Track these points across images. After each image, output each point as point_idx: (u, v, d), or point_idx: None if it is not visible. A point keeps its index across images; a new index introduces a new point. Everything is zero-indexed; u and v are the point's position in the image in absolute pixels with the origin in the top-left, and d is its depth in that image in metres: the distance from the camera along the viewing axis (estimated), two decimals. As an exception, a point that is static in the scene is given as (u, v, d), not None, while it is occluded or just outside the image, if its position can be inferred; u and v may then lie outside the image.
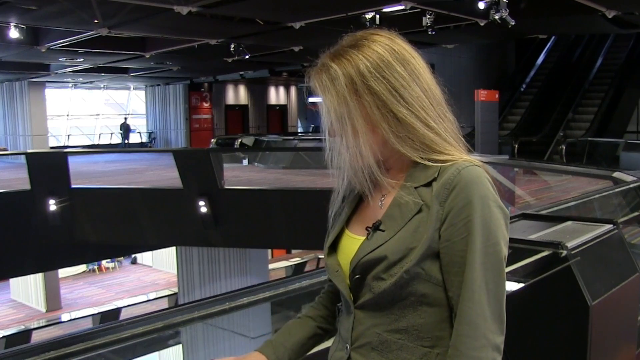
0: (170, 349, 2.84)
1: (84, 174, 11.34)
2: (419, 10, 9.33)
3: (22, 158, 10.66)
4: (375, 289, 1.11)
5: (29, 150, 15.00)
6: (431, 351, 1.11)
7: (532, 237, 2.57)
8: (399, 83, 1.10)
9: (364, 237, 1.15)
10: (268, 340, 1.31)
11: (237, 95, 23.77)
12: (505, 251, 1.09)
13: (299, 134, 23.49)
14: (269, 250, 15.38)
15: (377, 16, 9.33)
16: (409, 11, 9.13)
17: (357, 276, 1.14)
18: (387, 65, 1.11)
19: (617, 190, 4.85)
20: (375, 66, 1.10)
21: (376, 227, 1.13)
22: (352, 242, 1.18)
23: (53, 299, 15.60)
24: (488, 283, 1.06)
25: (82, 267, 18.12)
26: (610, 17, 9.32)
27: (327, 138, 1.19)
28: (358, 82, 1.10)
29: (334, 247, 1.23)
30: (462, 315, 1.06)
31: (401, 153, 1.13)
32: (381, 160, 1.15)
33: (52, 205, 8.88)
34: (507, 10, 8.68)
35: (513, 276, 2.15)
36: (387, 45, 1.12)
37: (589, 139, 12.69)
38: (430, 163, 1.11)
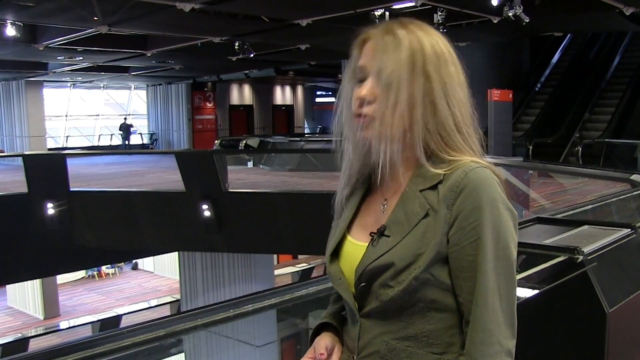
0: (173, 357, 2.87)
1: (83, 176, 11.28)
2: (430, 7, 9.25)
3: (19, 160, 10.64)
4: (383, 296, 1.10)
5: (27, 152, 15.10)
6: (441, 358, 1.10)
7: (547, 241, 2.54)
8: (449, 80, 1.13)
9: (367, 244, 1.15)
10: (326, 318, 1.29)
11: (242, 95, 23.82)
12: (515, 254, 1.10)
13: (306, 135, 23.57)
14: (275, 256, 15.39)
15: (387, 13, 9.35)
16: (419, 8, 9.06)
17: (363, 284, 1.12)
18: (446, 59, 1.14)
19: (635, 193, 4.80)
20: (438, 54, 1.13)
21: (381, 233, 1.13)
22: (355, 249, 1.17)
23: (51, 306, 15.54)
24: (500, 288, 1.07)
25: (81, 273, 18.12)
26: (628, 14, 9.25)
27: (344, 122, 1.19)
28: (419, 60, 1.11)
29: (335, 254, 1.22)
30: (475, 322, 1.06)
31: (414, 149, 1.13)
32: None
33: (50, 208, 8.84)
34: (522, 7, 8.69)
35: (527, 282, 2.12)
36: (448, 43, 1.16)
37: (606, 140, 12.68)
38: (437, 165, 1.12)
